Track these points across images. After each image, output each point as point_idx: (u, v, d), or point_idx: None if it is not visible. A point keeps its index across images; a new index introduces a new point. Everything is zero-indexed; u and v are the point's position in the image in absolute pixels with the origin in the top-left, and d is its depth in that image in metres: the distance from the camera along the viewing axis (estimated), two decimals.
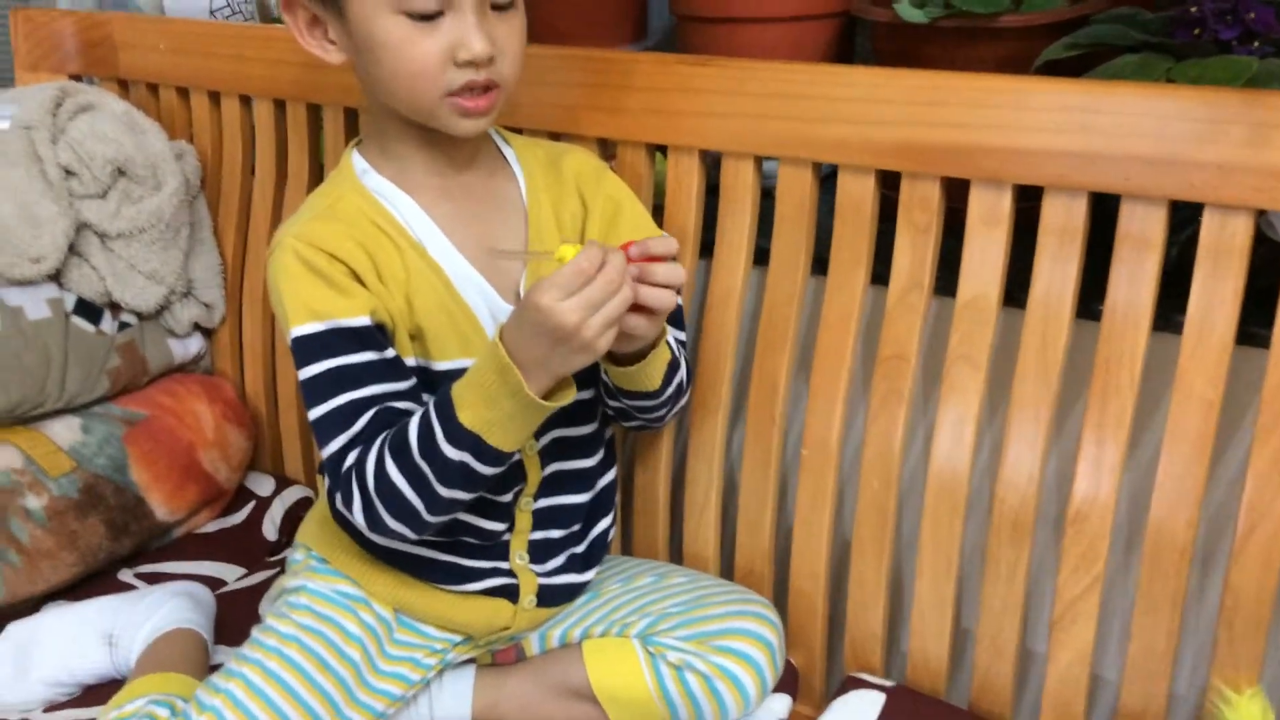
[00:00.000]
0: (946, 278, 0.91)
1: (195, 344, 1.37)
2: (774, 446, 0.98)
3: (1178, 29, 0.85)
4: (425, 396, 0.86)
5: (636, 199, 0.96)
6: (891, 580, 0.95)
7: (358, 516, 0.81)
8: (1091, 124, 0.79)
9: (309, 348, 0.81)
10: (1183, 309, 0.80)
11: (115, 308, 1.27)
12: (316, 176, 1.27)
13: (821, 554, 0.96)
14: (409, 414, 0.81)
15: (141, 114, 1.33)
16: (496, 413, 0.76)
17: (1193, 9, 0.85)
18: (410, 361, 0.86)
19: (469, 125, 0.83)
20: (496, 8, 0.80)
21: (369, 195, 0.87)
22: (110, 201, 1.25)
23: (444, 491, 0.78)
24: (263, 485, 1.34)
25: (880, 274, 0.93)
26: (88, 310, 1.23)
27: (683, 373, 0.92)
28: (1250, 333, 0.80)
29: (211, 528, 1.28)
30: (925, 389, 1.01)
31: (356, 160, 0.89)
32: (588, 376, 0.92)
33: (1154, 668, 0.82)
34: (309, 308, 0.81)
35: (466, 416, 0.76)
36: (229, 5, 1.47)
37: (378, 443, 0.80)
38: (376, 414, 0.81)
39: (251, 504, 1.31)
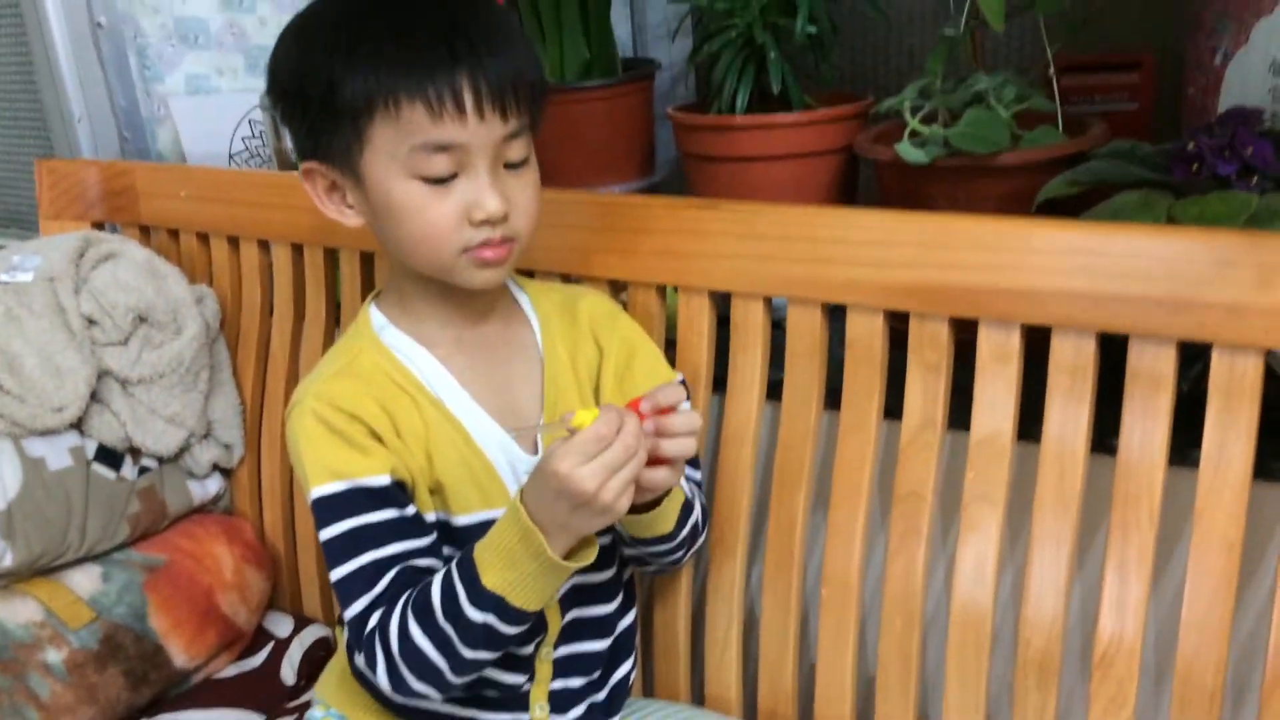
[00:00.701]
0: (960, 408, 0.91)
1: (214, 485, 1.37)
2: (794, 585, 0.97)
3: (1176, 165, 0.87)
4: (446, 550, 0.86)
5: (649, 340, 0.97)
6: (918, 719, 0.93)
7: (382, 679, 0.81)
8: (1098, 266, 0.80)
9: (330, 508, 0.82)
10: (1197, 442, 0.80)
11: (135, 452, 1.28)
12: (333, 317, 1.29)
13: (846, 695, 0.95)
14: (431, 572, 0.82)
15: (162, 260, 1.35)
16: (519, 574, 0.76)
17: (1190, 145, 0.86)
18: (430, 516, 0.86)
19: (486, 276, 0.84)
20: (509, 166, 0.82)
21: (387, 351, 0.88)
22: (131, 348, 1.27)
23: (468, 653, 0.78)
24: (281, 626, 1.33)
25: (893, 406, 0.93)
26: (108, 456, 1.24)
27: (697, 513, 0.92)
28: (1268, 467, 0.80)
29: (230, 671, 1.27)
30: (944, 523, 1.00)
31: (374, 315, 0.91)
32: (611, 531, 0.92)
33: None
34: (329, 468, 0.82)
35: (490, 579, 0.76)
36: (247, 149, 1.51)
37: (400, 604, 0.80)
38: (399, 573, 0.81)
39: (270, 646, 1.30)
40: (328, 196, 0.87)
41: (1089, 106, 1.11)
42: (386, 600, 0.81)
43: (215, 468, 1.37)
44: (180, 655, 1.21)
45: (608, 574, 0.93)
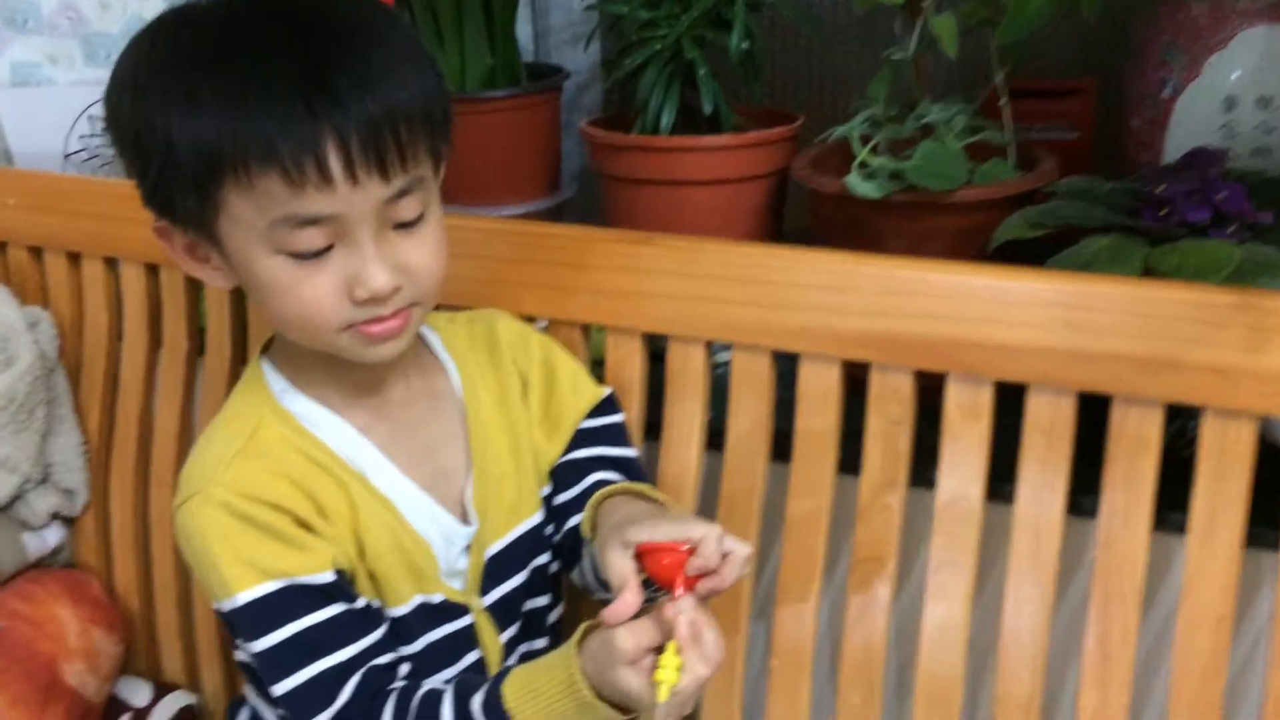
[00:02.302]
0: (921, 463, 0.85)
1: (54, 536, 1.20)
2: (739, 657, 0.89)
3: (1145, 209, 0.82)
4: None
5: (566, 355, 0.88)
6: None
7: None
8: (1077, 320, 0.74)
9: (264, 614, 0.70)
10: (1177, 504, 0.76)
11: None
12: (196, 343, 1.14)
13: None
14: (394, 668, 0.73)
15: None
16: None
17: (1158, 189, 0.82)
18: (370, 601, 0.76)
19: (379, 352, 0.72)
20: (400, 226, 0.69)
21: (293, 422, 0.75)
22: None
23: None
24: (138, 693, 1.18)
25: (849, 459, 0.86)
26: None
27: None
28: (1255, 533, 0.76)
29: None
30: (905, 586, 0.94)
31: (271, 377, 0.77)
32: (543, 581, 0.84)
33: None
34: (257, 567, 0.70)
35: None
36: (86, 150, 1.33)
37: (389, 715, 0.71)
38: (363, 680, 0.71)
39: (126, 718, 1.15)
40: (188, 255, 0.73)
41: (1029, 134, 1.07)
42: (353, 713, 0.71)
43: (55, 517, 1.20)
44: None
45: (551, 639, 0.85)
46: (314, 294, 0.67)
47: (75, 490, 1.20)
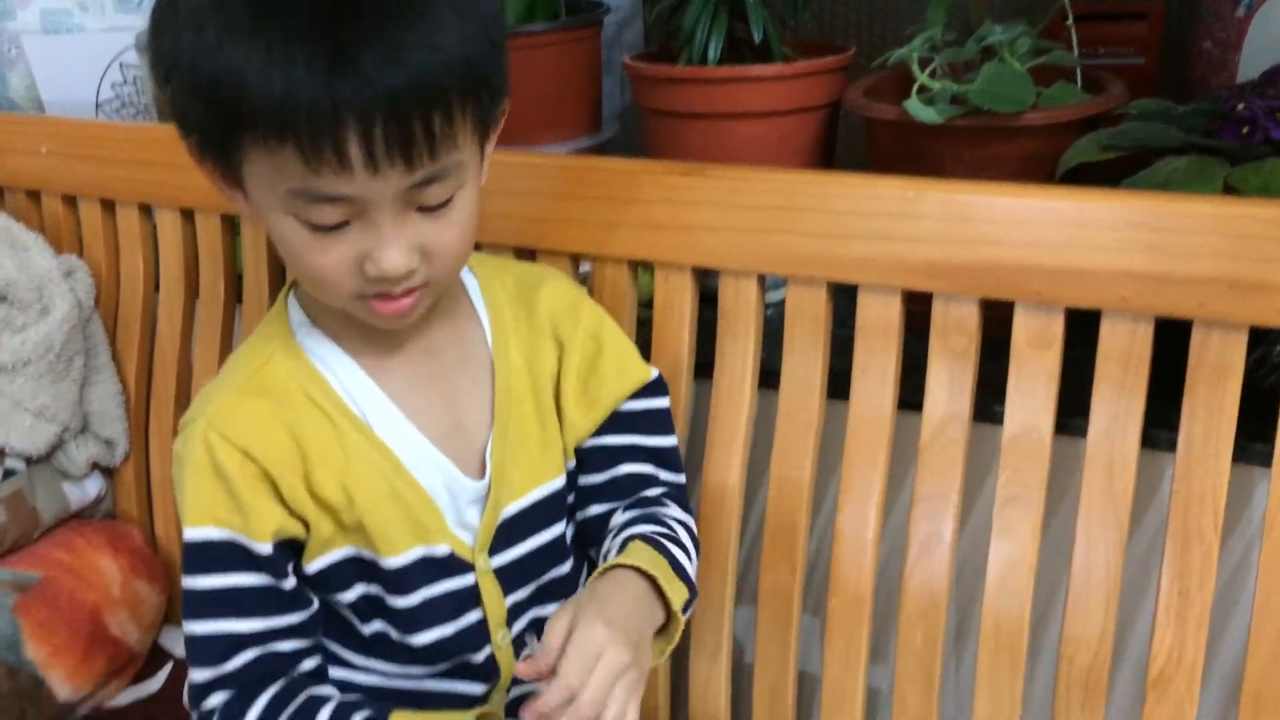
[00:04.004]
0: (984, 401, 0.82)
1: (94, 486, 1.19)
2: (795, 598, 0.87)
3: (1224, 129, 0.78)
4: (373, 589, 0.75)
5: (618, 330, 0.83)
6: None
7: None
8: (1158, 243, 0.71)
9: (201, 554, 0.70)
10: (1259, 435, 0.73)
11: None
12: (234, 293, 1.13)
13: (856, 715, 0.85)
14: (295, 658, 0.73)
15: (22, 227, 1.17)
16: None
17: (1239, 106, 0.78)
18: (348, 552, 0.74)
19: (386, 324, 0.70)
20: (425, 209, 0.65)
21: (304, 359, 0.73)
22: None
23: None
24: (180, 643, 1.17)
25: (908, 397, 0.83)
26: None
27: (690, 545, 0.80)
28: None
29: (124, 699, 1.11)
30: (968, 525, 0.91)
31: (293, 310, 0.76)
32: (562, 549, 0.80)
33: None
34: (210, 511, 0.70)
35: None
36: (118, 98, 1.31)
37: (260, 709, 0.70)
38: (256, 659, 0.71)
39: (168, 667, 1.14)
40: (221, 182, 0.69)
41: (1092, 60, 1.02)
42: (235, 685, 0.71)
43: (95, 467, 1.19)
44: (64, 687, 1.05)
45: (566, 567, 0.82)
46: (325, 263, 0.65)
47: (114, 440, 1.19)
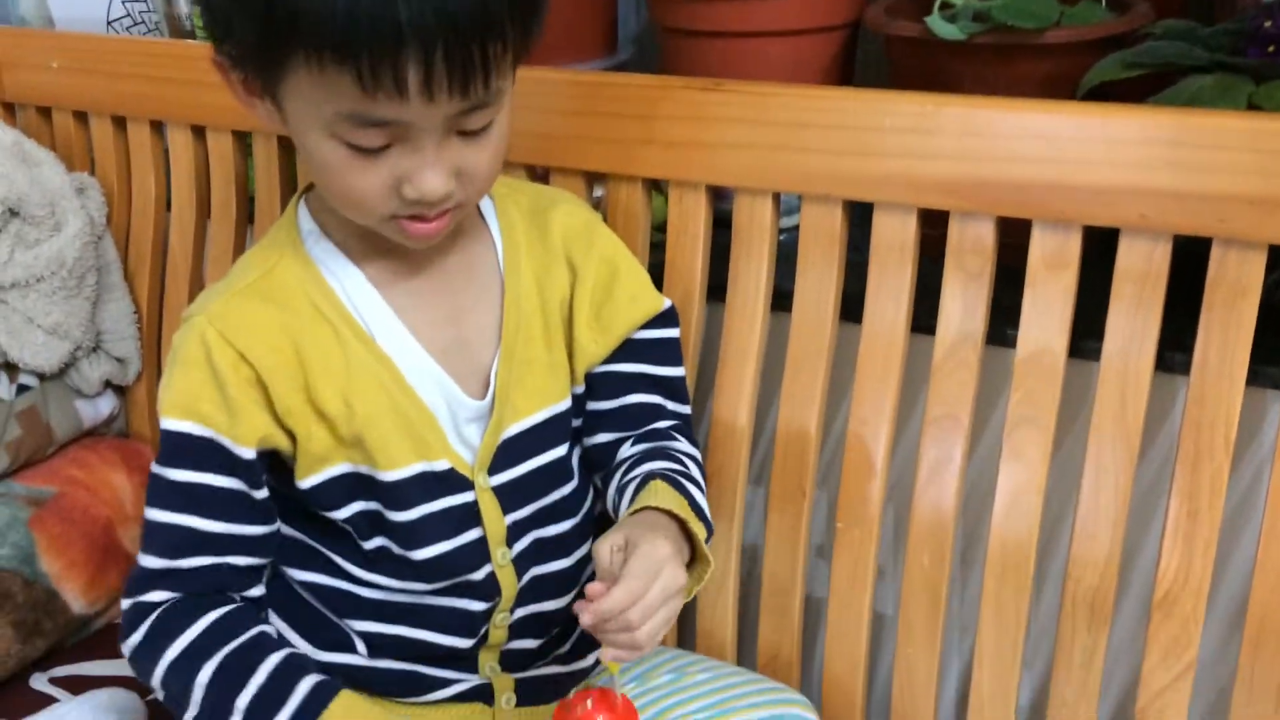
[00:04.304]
0: (997, 325, 0.81)
1: (107, 404, 1.20)
2: (803, 521, 0.87)
3: (1249, 46, 0.77)
4: (371, 505, 0.74)
5: (632, 257, 0.83)
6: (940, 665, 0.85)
7: (128, 648, 0.71)
8: (1181, 159, 0.70)
9: (177, 446, 0.70)
10: (1272, 359, 0.72)
11: (12, 369, 1.10)
12: (245, 212, 1.12)
13: (861, 638, 0.86)
14: (247, 577, 0.73)
15: (34, 143, 1.16)
16: None
17: (1266, 24, 0.76)
18: (344, 468, 0.73)
19: (416, 244, 0.70)
20: (464, 134, 0.65)
21: (312, 266, 0.73)
22: (1, 247, 1.08)
23: None
24: None
25: (921, 321, 0.83)
26: None
27: (702, 492, 0.79)
28: None
29: None
30: (978, 449, 0.91)
31: (303, 218, 0.75)
32: (565, 470, 0.80)
33: None
34: (194, 407, 0.69)
35: None
36: (130, 15, 1.30)
37: (200, 630, 0.70)
38: (212, 567, 0.71)
39: None
40: (242, 88, 0.69)
41: None
42: (183, 588, 0.71)
43: (107, 385, 1.20)
44: (78, 600, 1.06)
45: (571, 523, 0.81)
46: (363, 185, 0.65)
47: (127, 359, 1.19)
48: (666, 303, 0.83)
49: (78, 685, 1.01)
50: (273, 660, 0.70)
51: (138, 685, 1.00)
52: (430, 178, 0.64)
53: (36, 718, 0.92)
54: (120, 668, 1.05)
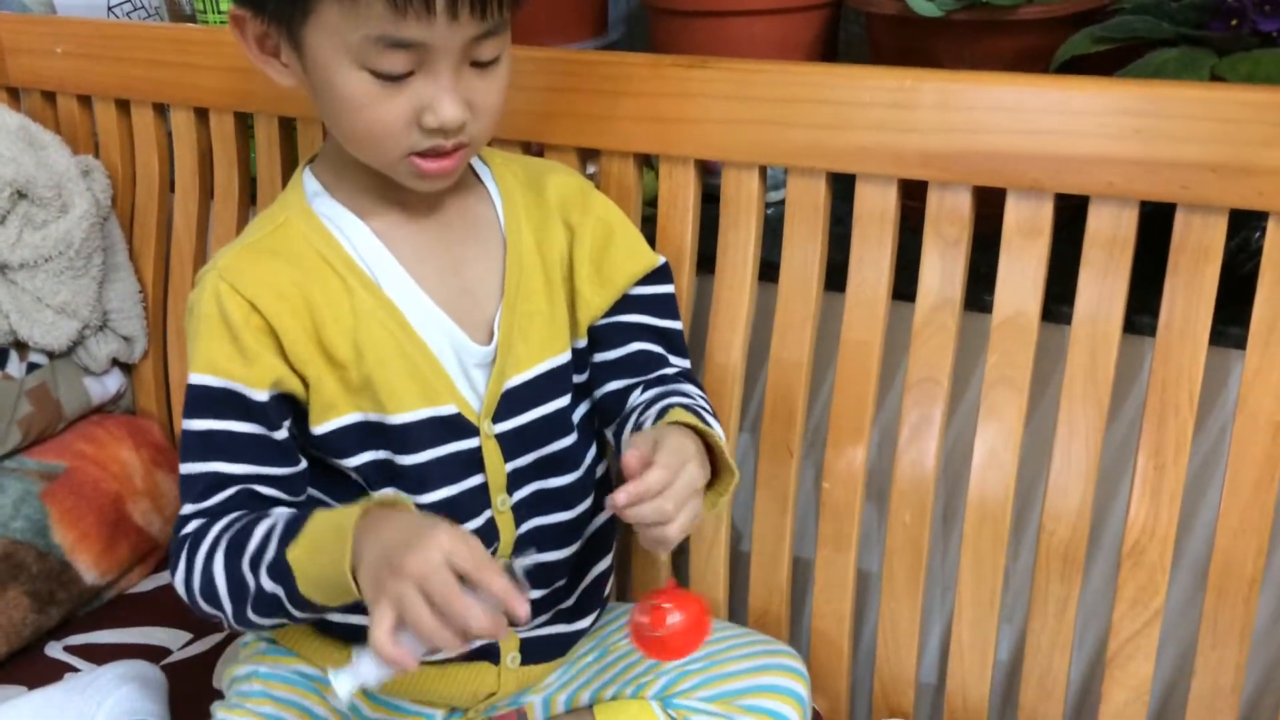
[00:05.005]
0: (974, 292, 0.84)
1: (114, 382, 1.23)
2: (790, 481, 0.90)
3: (1214, 20, 0.80)
4: (381, 455, 0.77)
5: (627, 219, 0.86)
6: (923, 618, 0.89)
7: (178, 583, 0.74)
8: (1146, 128, 0.73)
9: (200, 400, 0.74)
10: (1236, 319, 0.75)
11: (22, 348, 1.13)
12: (248, 193, 1.15)
13: (847, 594, 0.89)
14: (272, 503, 0.75)
15: (39, 127, 1.19)
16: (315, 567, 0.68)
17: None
18: (355, 417, 0.76)
19: (429, 184, 0.74)
20: (477, 65, 0.70)
21: (317, 222, 0.77)
22: (9, 228, 1.11)
23: (253, 615, 0.72)
24: None
25: (902, 289, 0.86)
26: None
27: (707, 406, 0.83)
28: None
29: (146, 586, 1.15)
30: (957, 412, 0.94)
31: (308, 180, 0.79)
32: (565, 422, 0.83)
33: (1220, 704, 0.78)
34: (211, 360, 0.73)
35: (294, 552, 0.68)
36: (130, 2, 1.32)
37: (220, 525, 0.73)
38: (235, 495, 0.74)
39: None
40: (258, 45, 0.73)
41: None
42: (211, 515, 0.74)
43: (114, 363, 1.23)
44: (90, 571, 1.09)
45: (573, 477, 0.84)
46: (387, 115, 0.69)
47: (133, 337, 1.22)
48: (661, 259, 0.87)
49: (91, 653, 1.04)
50: (261, 526, 0.72)
51: (152, 650, 1.04)
52: (448, 104, 0.68)
53: (60, 688, 0.95)
54: (132, 636, 1.09)
